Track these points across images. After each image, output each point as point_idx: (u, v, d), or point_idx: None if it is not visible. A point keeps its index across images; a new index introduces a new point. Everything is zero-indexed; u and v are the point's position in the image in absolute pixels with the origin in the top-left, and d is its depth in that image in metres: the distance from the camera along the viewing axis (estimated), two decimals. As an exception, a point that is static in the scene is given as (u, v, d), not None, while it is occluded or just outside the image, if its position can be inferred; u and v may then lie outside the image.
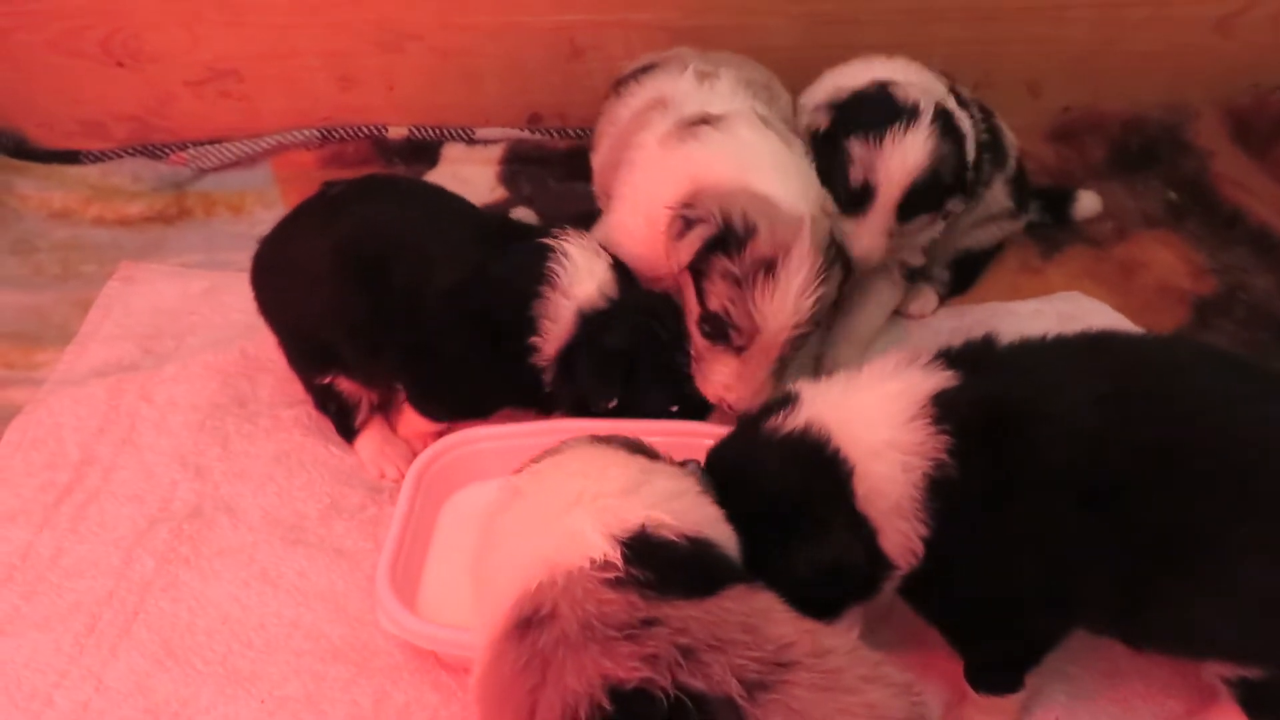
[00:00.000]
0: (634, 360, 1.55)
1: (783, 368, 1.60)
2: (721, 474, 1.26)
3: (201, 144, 2.39)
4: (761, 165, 1.57)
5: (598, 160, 1.90)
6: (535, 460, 1.22)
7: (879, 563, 1.22)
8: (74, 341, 1.95)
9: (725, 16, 2.26)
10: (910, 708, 0.97)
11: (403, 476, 1.58)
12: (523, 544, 1.09)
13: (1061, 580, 1.21)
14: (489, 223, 1.68)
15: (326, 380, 1.68)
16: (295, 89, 2.38)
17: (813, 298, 1.51)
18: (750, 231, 1.49)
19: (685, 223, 1.52)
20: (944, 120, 1.70)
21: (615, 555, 1.03)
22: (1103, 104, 2.39)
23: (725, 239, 1.50)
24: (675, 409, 1.60)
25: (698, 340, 1.58)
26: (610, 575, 1.01)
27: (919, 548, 1.20)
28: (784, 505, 1.20)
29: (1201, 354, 1.33)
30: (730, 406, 1.55)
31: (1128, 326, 1.93)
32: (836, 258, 1.56)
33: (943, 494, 1.18)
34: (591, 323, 1.53)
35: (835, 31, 2.28)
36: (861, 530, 1.20)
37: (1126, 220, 2.23)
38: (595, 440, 1.23)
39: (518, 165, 2.38)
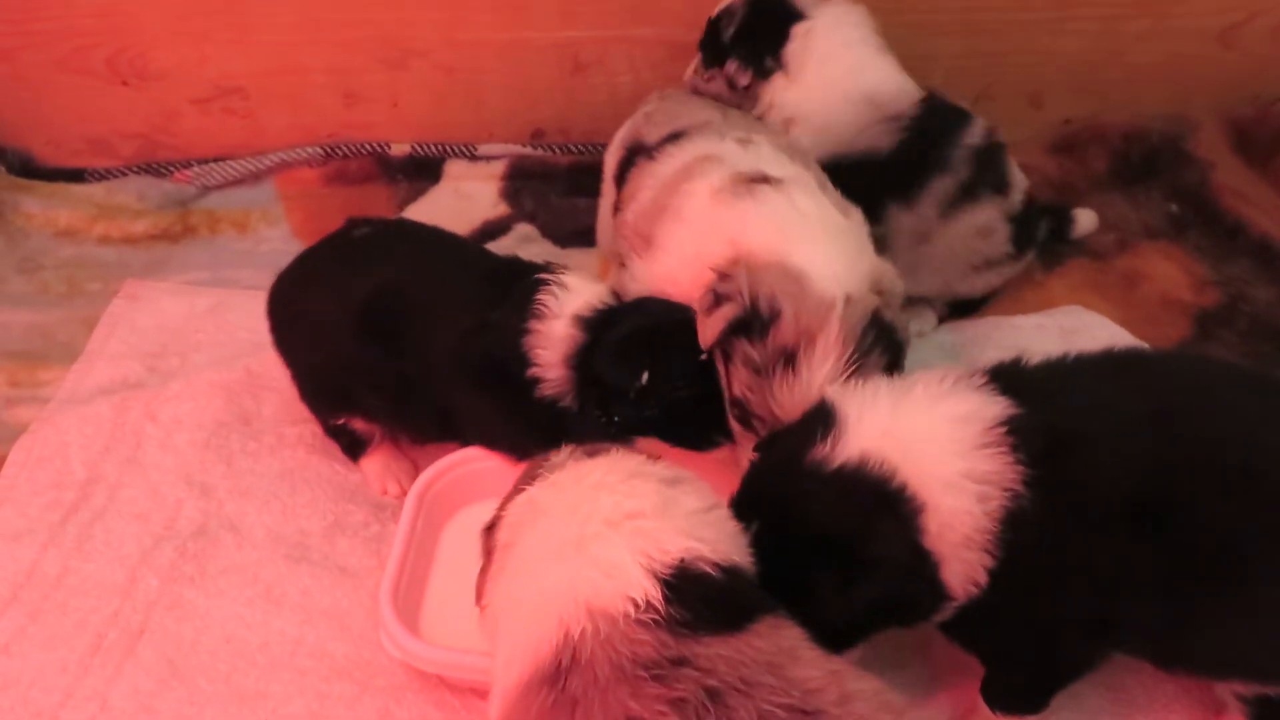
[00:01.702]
0: (654, 336, 1.45)
1: None
2: (761, 506, 1.20)
3: (206, 161, 2.40)
4: (807, 236, 1.47)
5: (633, 210, 1.72)
6: (538, 468, 1.19)
7: (937, 595, 1.18)
8: (79, 360, 1.95)
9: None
10: None
11: (406, 494, 1.58)
12: (552, 574, 1.05)
13: (1111, 604, 1.18)
14: (497, 269, 1.62)
15: (340, 421, 1.69)
16: (300, 106, 2.40)
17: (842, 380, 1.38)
18: (774, 316, 1.39)
19: (714, 298, 1.42)
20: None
21: (656, 595, 0.99)
22: (1104, 116, 2.39)
23: (749, 322, 1.39)
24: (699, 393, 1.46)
25: (731, 421, 1.47)
26: (649, 617, 0.98)
27: (983, 579, 1.15)
28: (840, 545, 1.15)
29: (1226, 372, 1.32)
30: None
31: (1129, 340, 1.93)
32: (878, 342, 1.42)
33: (1014, 524, 1.13)
34: (593, 323, 1.47)
35: (836, 46, 2.29)
36: (926, 567, 1.15)
37: (1128, 232, 2.22)
38: (598, 449, 1.19)
39: (520, 181, 2.39)
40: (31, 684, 1.44)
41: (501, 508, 1.24)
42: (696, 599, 1.00)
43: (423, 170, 2.41)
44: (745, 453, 1.41)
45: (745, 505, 1.21)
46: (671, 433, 1.49)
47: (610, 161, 1.93)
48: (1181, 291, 2.08)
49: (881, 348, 1.43)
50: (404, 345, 1.54)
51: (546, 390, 1.48)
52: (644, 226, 1.67)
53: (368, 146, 2.42)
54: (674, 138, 1.75)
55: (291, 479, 1.72)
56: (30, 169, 2.41)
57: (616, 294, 1.54)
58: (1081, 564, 1.16)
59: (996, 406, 1.17)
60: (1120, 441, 1.15)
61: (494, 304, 1.52)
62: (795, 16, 1.95)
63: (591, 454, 1.18)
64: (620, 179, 1.84)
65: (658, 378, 1.44)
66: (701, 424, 1.49)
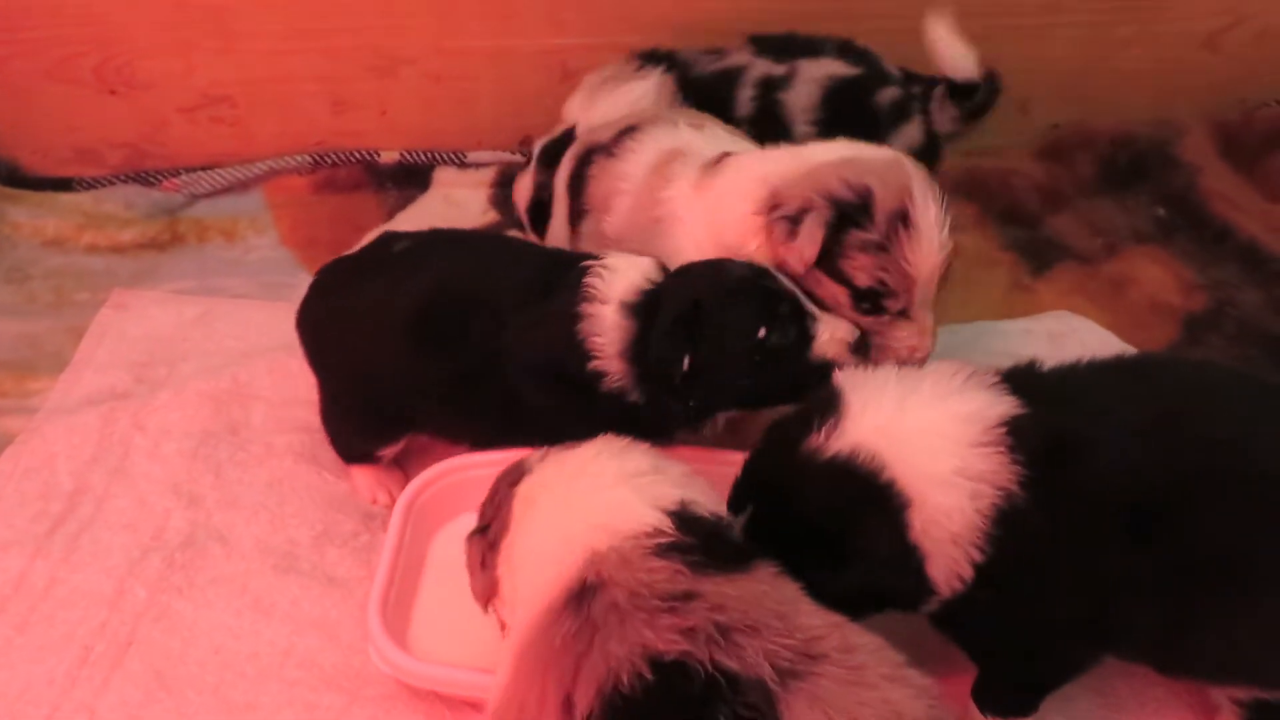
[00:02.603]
0: (697, 311, 1.41)
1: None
2: (757, 492, 1.23)
3: (194, 170, 2.40)
4: (814, 151, 1.55)
5: (612, 224, 1.72)
6: (513, 469, 1.26)
7: (922, 588, 1.19)
8: (67, 369, 1.94)
9: (716, 41, 2.26)
10: (928, 709, 0.98)
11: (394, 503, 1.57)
12: (565, 520, 1.13)
13: (1107, 606, 1.19)
14: (547, 261, 1.61)
15: (386, 449, 1.66)
16: (288, 114, 2.40)
17: (949, 222, 1.47)
18: (865, 192, 1.44)
19: (789, 222, 1.46)
20: None
21: (666, 523, 1.08)
22: (1092, 121, 2.40)
23: (846, 213, 1.44)
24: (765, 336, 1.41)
25: (862, 322, 1.48)
26: (660, 542, 1.06)
27: (969, 574, 1.17)
28: (826, 534, 1.17)
29: (1231, 377, 1.32)
30: (919, 363, 1.48)
31: (1117, 345, 1.94)
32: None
33: (1006, 523, 1.14)
34: (639, 309, 1.43)
35: (825, 52, 2.30)
36: (911, 560, 1.17)
37: (1116, 236, 2.24)
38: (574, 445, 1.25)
39: (510, 188, 2.37)
40: (19, 696, 1.43)
41: (483, 514, 1.27)
42: (701, 534, 1.08)
43: (412, 178, 2.41)
44: (890, 337, 1.50)
45: (741, 490, 1.24)
46: (760, 395, 1.47)
47: (561, 173, 1.91)
48: (1169, 295, 2.09)
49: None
50: (464, 344, 1.51)
51: (611, 384, 1.46)
52: (636, 243, 1.66)
53: (357, 154, 2.43)
54: (629, 131, 1.76)
55: (280, 489, 1.71)
56: (18, 178, 2.41)
57: (661, 265, 1.51)
58: (1077, 565, 1.17)
59: (1002, 406, 1.18)
60: (1123, 445, 1.16)
61: (549, 294, 1.50)
62: None
63: (570, 446, 1.25)
64: (577, 185, 1.82)
65: (711, 352, 1.41)
66: (805, 365, 1.45)
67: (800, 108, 2.00)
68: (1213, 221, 2.22)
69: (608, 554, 1.06)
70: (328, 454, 1.75)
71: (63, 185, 2.39)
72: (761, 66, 2.03)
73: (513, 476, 1.25)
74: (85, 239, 2.26)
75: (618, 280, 1.45)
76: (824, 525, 1.17)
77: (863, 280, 1.46)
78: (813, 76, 2.01)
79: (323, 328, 1.66)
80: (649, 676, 0.96)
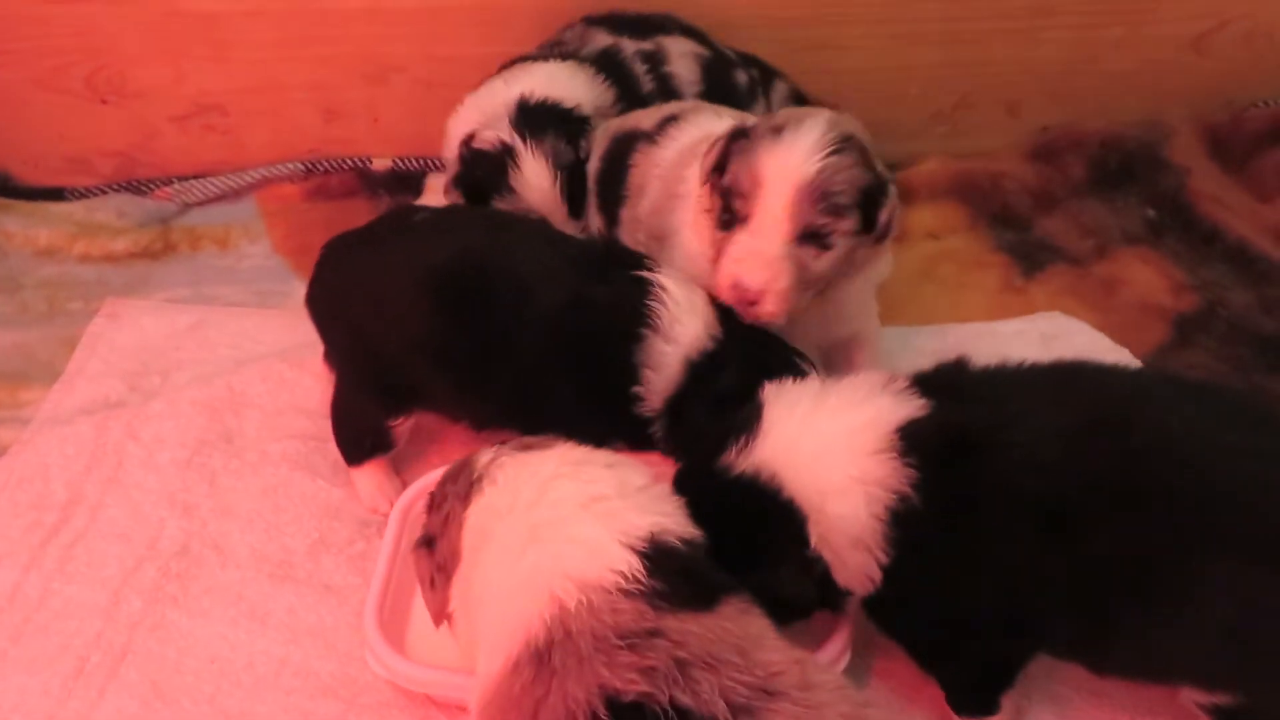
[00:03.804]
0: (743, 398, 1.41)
1: (809, 284, 1.50)
2: (686, 496, 1.25)
3: (186, 179, 2.40)
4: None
5: (645, 205, 1.77)
6: (456, 480, 1.22)
7: (833, 591, 1.26)
8: (60, 379, 1.94)
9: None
10: None
11: (399, 513, 1.57)
12: (531, 558, 1.09)
13: (1018, 605, 1.23)
14: (586, 249, 1.64)
15: (398, 421, 1.64)
16: (280, 122, 2.40)
17: (826, 164, 1.43)
18: (770, 119, 1.51)
19: (716, 142, 1.53)
20: None
21: (638, 566, 1.04)
22: (1081, 123, 2.41)
23: (740, 131, 1.50)
24: None
25: (716, 237, 1.52)
26: (631, 587, 1.03)
27: (876, 575, 1.22)
28: (734, 550, 1.20)
29: (1167, 385, 1.34)
30: (745, 290, 1.46)
31: (1108, 346, 1.95)
32: (865, 154, 1.48)
33: (904, 523, 1.19)
34: (700, 369, 1.48)
35: (816, 57, 2.31)
36: (815, 567, 1.23)
37: (1106, 238, 2.24)
38: (528, 444, 1.23)
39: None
40: (14, 708, 1.43)
41: (430, 521, 1.25)
42: (671, 572, 1.06)
43: (404, 184, 2.41)
44: (724, 251, 1.49)
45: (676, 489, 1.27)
46: None
47: (588, 170, 1.92)
48: (1160, 296, 2.09)
49: (868, 165, 1.49)
50: (486, 315, 1.50)
51: (642, 411, 1.50)
52: (655, 224, 1.72)
53: (349, 161, 2.43)
54: (672, 120, 1.79)
55: (275, 497, 1.71)
56: (9, 188, 2.41)
57: (720, 317, 1.51)
58: (982, 561, 1.21)
59: (903, 411, 1.22)
60: (1037, 445, 1.19)
61: (590, 281, 1.50)
62: None
63: (524, 448, 1.22)
64: (617, 173, 1.83)
65: None
66: None
67: (687, 81, 2.07)
68: (1202, 222, 2.22)
69: (574, 608, 1.02)
70: (323, 462, 1.75)
71: (55, 195, 2.39)
72: (630, 44, 2.06)
73: (461, 488, 1.21)
74: (78, 248, 2.26)
75: (681, 320, 1.49)
76: (736, 539, 1.21)
77: (727, 180, 1.49)
78: (682, 52, 2.08)
79: (338, 293, 1.64)
80: (606, 718, 0.95)
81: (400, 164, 2.42)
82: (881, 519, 1.19)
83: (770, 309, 1.47)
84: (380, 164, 2.42)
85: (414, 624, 1.46)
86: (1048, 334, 1.99)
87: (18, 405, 1.90)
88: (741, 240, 1.47)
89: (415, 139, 2.41)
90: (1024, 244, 2.23)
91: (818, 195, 1.44)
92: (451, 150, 1.96)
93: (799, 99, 2.23)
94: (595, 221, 1.91)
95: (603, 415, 1.50)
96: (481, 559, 1.15)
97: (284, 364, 1.87)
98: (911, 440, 1.20)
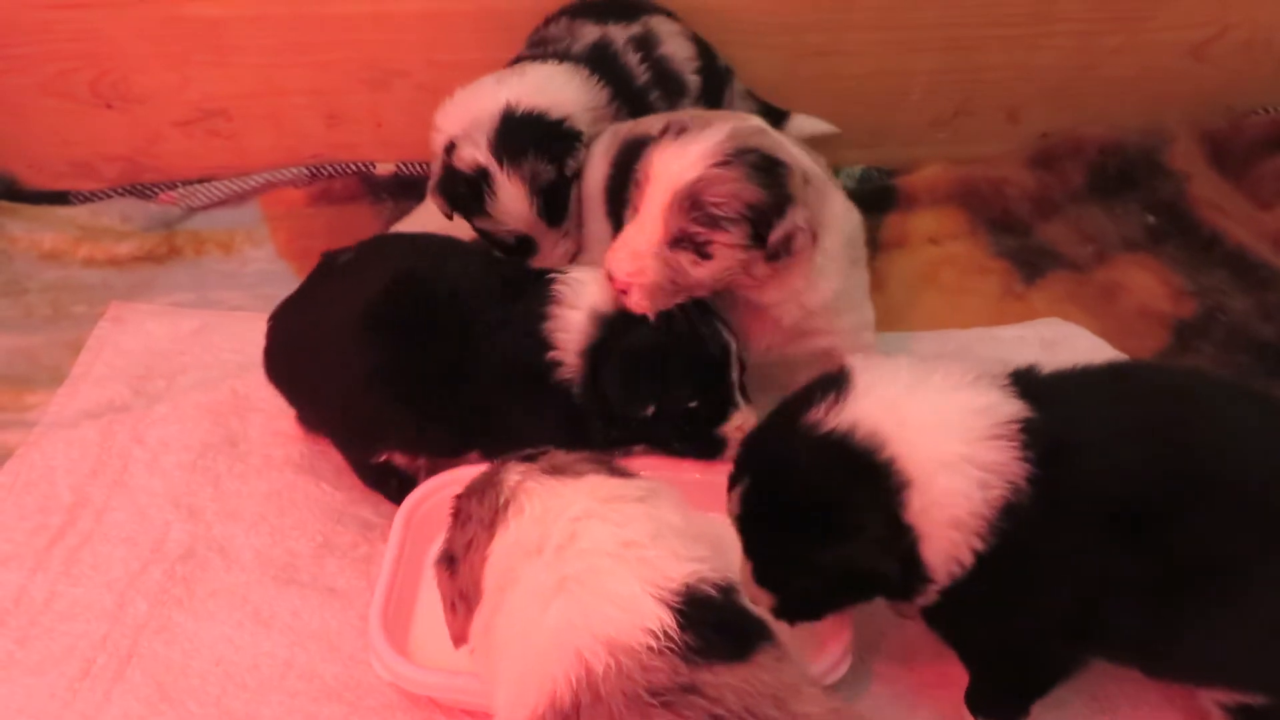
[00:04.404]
0: (665, 358, 1.50)
1: (685, 287, 1.50)
2: (752, 463, 1.24)
3: (190, 183, 2.40)
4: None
5: None
6: (483, 498, 1.18)
7: (916, 571, 1.20)
8: (65, 383, 1.95)
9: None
10: None
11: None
12: (558, 611, 1.04)
13: (1092, 609, 1.21)
14: (513, 270, 1.67)
15: (382, 458, 1.66)
16: (283, 127, 2.40)
17: (707, 175, 1.42)
18: (682, 118, 1.51)
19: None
20: None
21: (671, 624, 0.99)
22: (1081, 129, 2.41)
23: (667, 129, 1.51)
24: (694, 406, 1.53)
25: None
26: (666, 646, 0.98)
27: (967, 562, 1.17)
28: (819, 509, 1.17)
29: (1216, 385, 1.35)
30: (613, 279, 1.49)
31: (1109, 351, 1.96)
32: (763, 170, 1.45)
33: (1009, 515, 1.15)
34: (613, 324, 1.51)
35: (817, 64, 2.32)
36: (904, 539, 1.17)
37: (1106, 244, 2.24)
38: (557, 466, 1.18)
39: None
40: (20, 710, 1.44)
41: (453, 538, 1.22)
42: (706, 626, 1.01)
43: (408, 189, 2.41)
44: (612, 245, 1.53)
45: (740, 461, 1.25)
46: (681, 448, 1.58)
47: (594, 174, 1.90)
48: (1160, 302, 2.10)
49: (777, 175, 1.47)
50: (428, 339, 1.53)
51: (563, 375, 1.52)
52: None
53: (352, 166, 2.43)
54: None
55: (279, 500, 1.72)
56: (14, 192, 2.41)
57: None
58: (1067, 565, 1.19)
59: (1013, 406, 1.19)
60: (1113, 449, 1.18)
61: (514, 300, 1.55)
62: None
63: (553, 471, 1.17)
64: (620, 184, 1.80)
65: (666, 403, 1.51)
66: (709, 436, 1.56)
67: (683, 58, 2.07)
68: (1202, 229, 2.23)
69: (608, 670, 0.98)
70: (327, 465, 1.76)
71: (59, 199, 2.39)
72: (620, 32, 2.04)
73: (487, 512, 1.16)
74: (82, 252, 2.26)
75: (587, 292, 1.53)
76: (817, 500, 1.18)
77: (638, 169, 1.52)
78: (672, 31, 2.08)
79: (284, 359, 1.68)
80: None
81: (403, 168, 2.43)
82: (993, 505, 1.15)
83: (636, 301, 1.49)
84: (383, 168, 2.43)
85: (418, 627, 1.47)
86: (1048, 339, 2.00)
87: (23, 409, 1.91)
88: (625, 231, 1.51)
89: (418, 143, 2.39)
90: (1024, 250, 2.24)
91: (691, 204, 1.44)
92: (438, 147, 1.93)
93: (749, 98, 2.24)
94: (600, 228, 1.90)
95: (555, 420, 1.54)
96: (505, 603, 1.10)
97: (288, 368, 1.87)
98: (1031, 435, 1.17)
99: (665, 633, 0.99)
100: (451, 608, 1.19)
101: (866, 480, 1.16)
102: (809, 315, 1.63)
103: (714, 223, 1.44)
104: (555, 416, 1.54)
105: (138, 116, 2.37)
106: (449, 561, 1.20)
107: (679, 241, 1.47)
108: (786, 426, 1.23)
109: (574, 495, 1.13)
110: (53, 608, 1.57)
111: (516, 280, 1.60)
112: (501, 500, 1.15)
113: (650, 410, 1.51)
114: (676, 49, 2.07)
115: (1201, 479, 1.16)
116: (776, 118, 2.20)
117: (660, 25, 2.08)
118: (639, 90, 2.01)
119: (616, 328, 1.51)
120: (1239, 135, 2.40)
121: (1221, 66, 2.41)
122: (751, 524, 1.23)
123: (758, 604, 1.27)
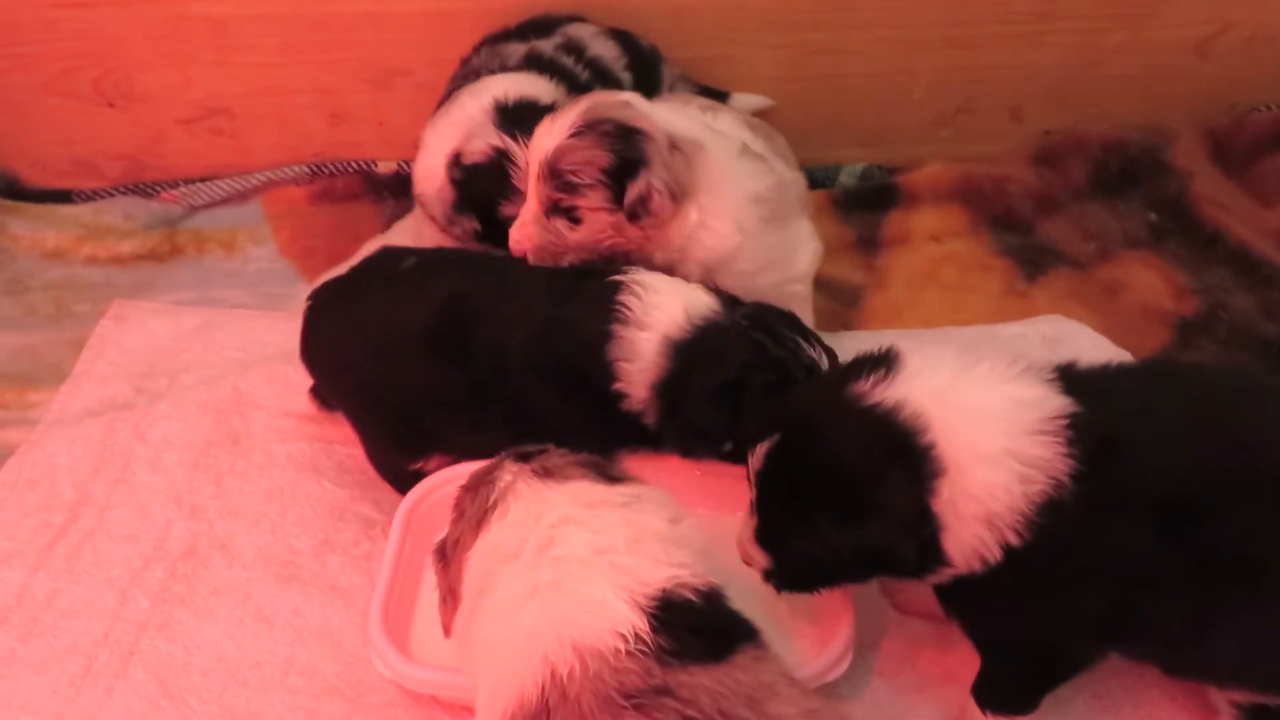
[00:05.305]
0: (742, 388, 1.42)
1: (570, 249, 1.61)
2: (787, 421, 1.22)
3: (193, 181, 2.40)
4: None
5: None
6: (476, 495, 1.18)
7: (934, 558, 1.18)
8: (67, 381, 1.95)
9: (710, 48, 2.29)
10: None
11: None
12: (530, 615, 1.05)
13: (1128, 604, 1.20)
14: (559, 274, 1.62)
15: (419, 465, 1.63)
16: (286, 126, 2.41)
17: (561, 146, 1.55)
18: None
19: None
20: None
21: (644, 627, 1.00)
22: (1083, 127, 2.41)
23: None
24: None
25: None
26: (636, 648, 0.99)
27: (995, 556, 1.15)
28: (845, 481, 1.16)
29: (1264, 383, 1.34)
30: (512, 247, 1.64)
31: (1111, 349, 1.95)
32: (614, 136, 1.54)
33: (1049, 512, 1.13)
34: (686, 352, 1.44)
35: (820, 62, 2.32)
36: (926, 526, 1.15)
37: (1109, 241, 2.24)
38: (548, 468, 1.18)
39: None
40: (22, 707, 1.44)
41: (450, 530, 1.22)
42: (681, 628, 1.01)
43: (409, 188, 2.39)
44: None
45: (775, 416, 1.24)
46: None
47: None
48: (1162, 300, 2.09)
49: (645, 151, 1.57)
50: (477, 355, 1.52)
51: (631, 406, 1.48)
52: None
53: (355, 165, 2.43)
54: None
55: (281, 498, 1.72)
56: (17, 191, 2.42)
57: (711, 293, 1.51)
58: (1107, 562, 1.17)
59: (1059, 401, 1.17)
60: (1158, 445, 1.16)
61: (558, 304, 1.51)
62: None
63: (543, 474, 1.17)
64: None
65: (748, 425, 1.41)
66: None
67: (613, 58, 2.10)
68: (1204, 226, 2.22)
69: (574, 672, 0.98)
70: (329, 463, 1.76)
71: (62, 197, 2.40)
72: (545, 44, 2.07)
73: (476, 511, 1.17)
74: (84, 251, 2.27)
75: (657, 308, 1.47)
76: (847, 469, 1.16)
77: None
78: (593, 33, 2.11)
79: (336, 347, 1.64)
80: None
81: (405, 167, 2.42)
82: (1034, 501, 1.13)
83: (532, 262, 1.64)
84: (385, 167, 2.43)
85: (419, 625, 1.47)
86: (1050, 337, 2.00)
87: (25, 407, 1.91)
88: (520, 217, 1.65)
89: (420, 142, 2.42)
90: (1026, 247, 2.24)
91: (551, 173, 1.57)
92: (433, 184, 1.91)
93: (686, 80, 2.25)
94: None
95: (598, 427, 1.48)
96: (480, 607, 1.11)
97: (289, 366, 1.87)
98: (1078, 430, 1.15)
99: (637, 636, 0.99)
100: (443, 600, 1.21)
101: (902, 460, 1.14)
102: (711, 273, 1.65)
103: (572, 189, 1.57)
104: (622, 438, 1.51)
105: (140, 115, 2.37)
106: (442, 555, 1.22)
107: (552, 209, 1.60)
108: (830, 393, 1.22)
109: (556, 500, 1.13)
110: (55, 605, 1.57)
111: (559, 287, 1.55)
112: (491, 500, 1.16)
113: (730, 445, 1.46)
114: (603, 50, 2.09)
115: (1249, 477, 1.15)
116: (719, 97, 2.22)
117: (578, 31, 2.10)
118: (585, 86, 2.01)
119: (694, 359, 1.43)
120: (1241, 133, 2.40)
121: (1224, 64, 2.40)
122: (770, 481, 1.22)
123: (750, 564, 1.28)
